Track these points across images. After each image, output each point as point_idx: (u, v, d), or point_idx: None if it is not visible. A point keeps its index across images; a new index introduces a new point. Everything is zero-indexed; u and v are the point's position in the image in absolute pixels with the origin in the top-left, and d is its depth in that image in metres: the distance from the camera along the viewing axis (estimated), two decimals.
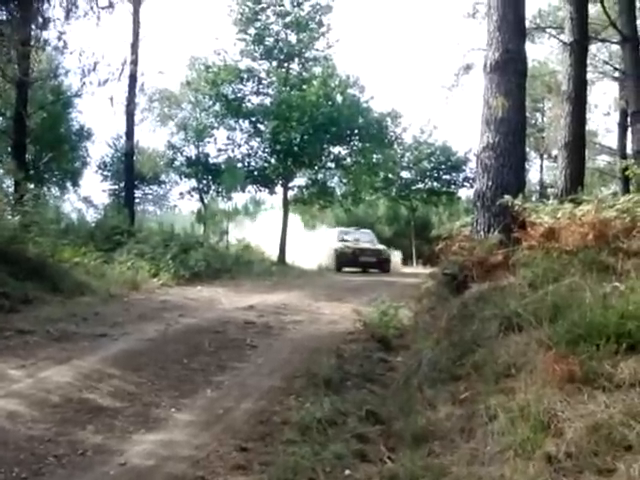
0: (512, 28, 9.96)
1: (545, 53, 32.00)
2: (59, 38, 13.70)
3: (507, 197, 8.96)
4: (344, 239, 31.16)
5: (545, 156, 42.13)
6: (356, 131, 30.33)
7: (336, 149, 31.25)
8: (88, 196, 38.10)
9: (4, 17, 12.43)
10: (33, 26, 13.08)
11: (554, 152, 36.81)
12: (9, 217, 14.38)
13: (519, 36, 10.15)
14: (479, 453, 4.69)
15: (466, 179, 40.97)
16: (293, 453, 5.22)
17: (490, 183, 9.64)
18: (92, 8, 13.48)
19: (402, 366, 7.86)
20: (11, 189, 21.31)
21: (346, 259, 29.65)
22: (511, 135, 9.75)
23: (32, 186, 23.50)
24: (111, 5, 13.85)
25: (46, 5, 12.83)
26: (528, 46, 10.44)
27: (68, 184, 39.16)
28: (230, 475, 5.04)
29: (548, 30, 24.48)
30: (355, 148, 31.01)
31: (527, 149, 11.89)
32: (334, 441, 5.57)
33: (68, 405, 6.45)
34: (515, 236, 8.65)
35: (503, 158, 9.65)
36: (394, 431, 5.79)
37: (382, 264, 30.14)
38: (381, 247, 31.54)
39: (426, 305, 9.37)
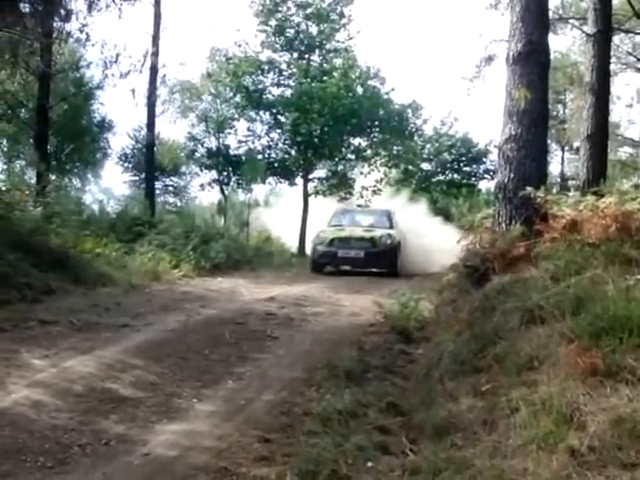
0: (535, 19, 9.89)
1: (567, 44, 31.73)
2: (81, 30, 13.76)
3: (529, 189, 8.91)
4: (338, 224, 21.81)
5: (567, 148, 41.86)
6: (377, 123, 30.25)
7: (356, 141, 31.20)
8: (109, 187, 38.40)
9: (27, 10, 12.49)
10: (56, 19, 13.15)
11: (576, 144, 36.57)
12: (31, 208, 14.46)
13: (542, 27, 10.07)
14: (501, 446, 4.67)
15: (487, 171, 40.72)
16: (315, 444, 5.23)
17: (512, 175, 9.59)
18: (114, 0, 13.50)
19: (423, 358, 7.85)
20: (33, 180, 21.51)
21: (325, 255, 20.21)
22: (533, 127, 9.69)
23: (54, 177, 23.73)
24: None
25: None
26: (550, 37, 10.35)
27: (89, 175, 39.43)
28: (253, 466, 5.06)
29: (571, 21, 24.28)
30: (375, 140, 30.93)
31: (548, 141, 11.82)
32: (355, 433, 5.58)
33: (91, 395, 6.50)
34: (537, 228, 8.60)
35: (525, 150, 9.59)
36: (415, 423, 5.79)
37: (379, 260, 19.92)
38: (380, 233, 20.49)
39: (447, 297, 9.35)
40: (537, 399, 4.89)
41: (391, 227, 21.43)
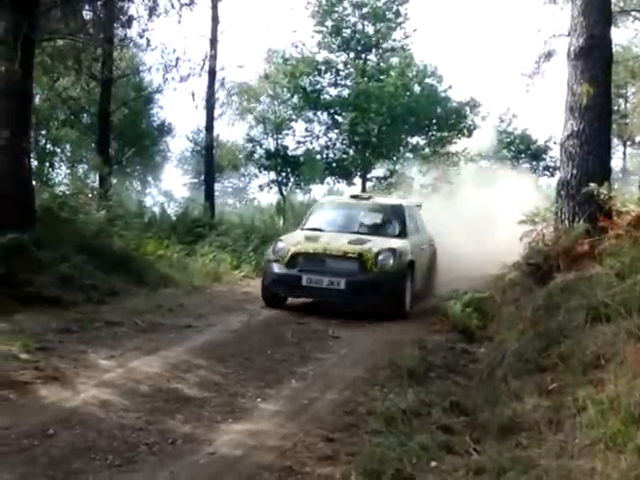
0: (597, 12, 9.73)
1: (629, 37, 31.09)
2: (141, 36, 13.97)
3: (592, 185, 8.79)
4: (314, 228, 13.03)
5: (628, 143, 41.05)
6: (434, 121, 30.09)
7: (414, 139, 31.06)
8: (169, 190, 38.93)
9: (90, 17, 12.74)
10: (117, 25, 13.39)
11: (638, 138, 35.88)
12: (95, 211, 14.72)
13: (604, 21, 9.91)
14: (568, 446, 4.62)
15: (546, 167, 40.17)
16: (379, 444, 5.25)
17: (575, 171, 9.46)
18: (173, 5, 13.67)
19: (486, 357, 7.81)
20: (96, 184, 21.90)
21: (280, 281, 11.75)
22: (596, 122, 9.55)
23: (115, 181, 24.14)
24: (192, 1, 14.03)
25: (129, 4, 13.08)
26: (612, 30, 10.16)
27: (149, 178, 40.08)
28: (317, 465, 5.09)
29: (633, 13, 23.82)
30: (433, 138, 30.76)
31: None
32: (419, 432, 5.58)
33: (157, 395, 6.61)
34: (601, 225, 8.49)
35: (588, 146, 9.46)
36: (479, 422, 5.77)
37: (370, 294, 11.25)
38: (377, 246, 11.71)
39: (510, 296, 9.27)
40: (604, 398, 4.83)
41: (402, 234, 12.54)
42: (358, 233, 12.39)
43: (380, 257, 11.36)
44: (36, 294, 9.79)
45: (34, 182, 12.13)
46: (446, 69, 34.90)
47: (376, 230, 12.63)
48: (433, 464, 4.98)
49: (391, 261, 11.38)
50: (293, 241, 12.03)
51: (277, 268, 11.63)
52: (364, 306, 11.24)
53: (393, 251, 11.50)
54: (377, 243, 11.72)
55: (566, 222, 9.36)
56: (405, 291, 11.57)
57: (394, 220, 13.03)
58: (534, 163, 40.82)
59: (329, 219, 13.44)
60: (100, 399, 6.34)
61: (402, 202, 14.15)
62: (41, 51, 12.53)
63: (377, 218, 13.10)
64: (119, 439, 5.46)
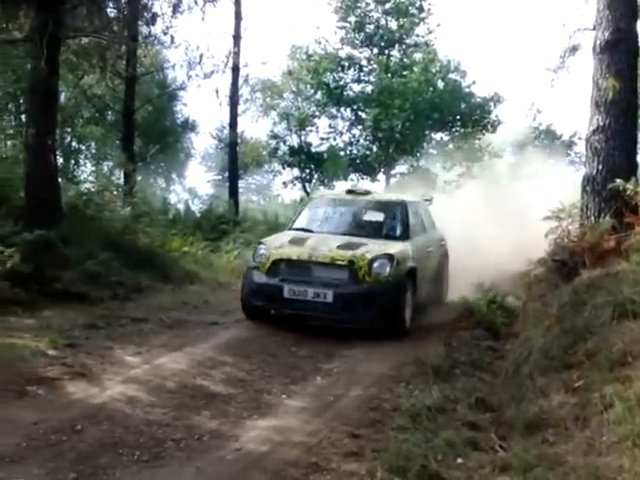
0: (623, 6, 9.63)
1: None
2: (165, 33, 14.04)
3: (619, 181, 8.72)
4: (303, 228, 11.36)
5: None
6: (458, 116, 29.99)
7: (438, 135, 30.98)
8: (193, 187, 39.08)
9: (114, 15, 12.82)
10: (141, 22, 13.45)
11: None
12: (120, 208, 14.80)
13: (630, 14, 9.79)
14: (595, 442, 4.61)
15: (571, 163, 39.89)
16: (404, 440, 5.26)
17: (600, 167, 9.38)
18: (196, 2, 13.72)
19: (511, 354, 7.78)
20: (121, 181, 22.03)
21: (259, 292, 9.98)
22: (622, 117, 9.46)
23: (140, 178, 24.26)
24: None
25: (153, 1, 13.16)
26: (638, 24, 10.07)
27: (174, 175, 40.25)
28: (343, 462, 5.12)
29: None
30: (457, 134, 30.65)
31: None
32: (445, 428, 5.59)
33: (183, 391, 6.67)
34: (627, 221, 8.42)
35: (614, 141, 9.37)
36: (505, 419, 5.76)
37: (362, 309, 9.50)
38: (372, 251, 9.94)
39: (535, 292, 9.22)
40: (631, 395, 4.80)
41: (404, 235, 10.92)
42: (352, 235, 10.69)
43: (375, 264, 9.67)
44: (63, 291, 9.90)
45: (60, 179, 12.19)
46: (470, 64, 34.68)
47: (373, 231, 10.95)
48: (459, 461, 4.99)
49: (387, 269, 9.67)
50: (275, 245, 10.32)
51: (257, 276, 10.00)
52: (355, 322, 9.65)
53: (390, 257, 9.80)
54: (372, 247, 10.04)
55: (592, 218, 9.28)
56: (404, 304, 9.80)
57: (395, 219, 11.33)
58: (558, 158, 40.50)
59: (320, 218, 11.75)
60: (127, 395, 6.40)
61: (405, 198, 12.08)
62: (66, 49, 12.61)
63: (375, 217, 11.45)
64: (146, 435, 5.51)
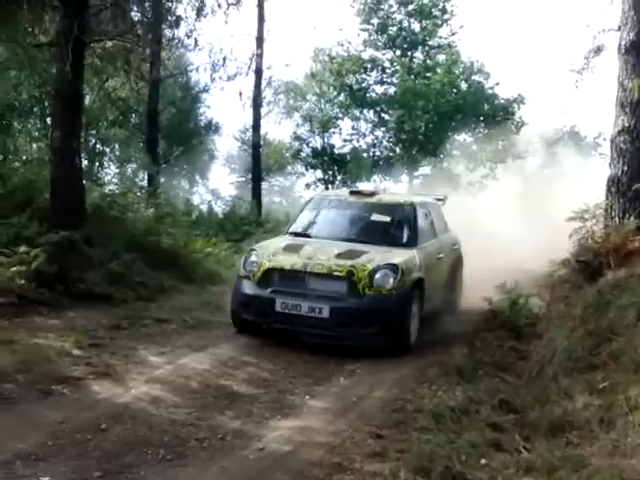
0: None
1: None
2: (188, 36, 14.08)
3: None
4: (300, 232, 10.55)
5: None
6: (481, 118, 29.90)
7: (461, 136, 30.91)
8: (216, 188, 39.22)
9: (138, 18, 12.92)
10: (165, 25, 13.53)
11: None
12: (144, 210, 14.87)
13: None
14: (620, 444, 4.59)
15: (596, 164, 39.63)
16: (428, 441, 5.25)
17: (625, 168, 9.32)
18: (220, 5, 13.77)
19: (535, 355, 7.74)
20: (144, 182, 22.16)
21: (250, 305, 9.15)
22: None
23: (164, 179, 24.38)
24: (238, 1, 14.11)
25: (177, 4, 13.22)
26: None
27: (197, 177, 40.42)
28: (366, 462, 5.12)
29: None
30: (481, 135, 30.56)
31: None
32: (468, 430, 5.57)
33: (207, 391, 6.71)
34: None
35: (639, 142, 9.33)
36: (529, 420, 5.73)
37: (362, 325, 8.69)
38: (374, 261, 9.04)
39: (559, 293, 9.17)
40: None
41: (411, 242, 9.95)
42: (354, 241, 9.75)
43: (376, 276, 8.76)
44: (87, 291, 9.98)
45: (84, 181, 12.27)
46: (493, 66, 34.54)
47: (377, 237, 9.92)
48: (483, 462, 4.97)
49: (391, 281, 8.76)
50: (268, 252, 9.44)
51: (247, 287, 9.15)
52: (353, 340, 8.67)
53: (394, 267, 8.90)
54: (375, 256, 9.13)
55: (616, 219, 9.23)
56: (409, 319, 8.92)
57: (402, 224, 10.26)
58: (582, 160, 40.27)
59: (320, 222, 10.71)
60: (151, 395, 6.45)
61: (414, 200, 11.02)
62: (91, 53, 12.69)
63: (380, 221, 10.35)
64: (170, 434, 5.55)
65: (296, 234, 10.35)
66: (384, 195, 11.60)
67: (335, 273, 8.82)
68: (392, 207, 10.57)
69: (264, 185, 34.40)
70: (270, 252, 9.39)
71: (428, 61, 30.77)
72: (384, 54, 30.86)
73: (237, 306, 9.26)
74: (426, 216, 10.76)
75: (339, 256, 9.05)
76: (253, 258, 9.32)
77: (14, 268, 9.28)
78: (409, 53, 30.77)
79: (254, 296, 9.00)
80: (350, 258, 9.00)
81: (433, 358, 8.17)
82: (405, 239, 9.96)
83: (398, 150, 30.27)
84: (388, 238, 9.94)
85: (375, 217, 10.34)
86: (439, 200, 12.13)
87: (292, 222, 11.08)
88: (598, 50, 22.86)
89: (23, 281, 9.21)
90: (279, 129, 45.80)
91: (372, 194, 11.09)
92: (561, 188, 18.74)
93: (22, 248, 9.63)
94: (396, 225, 10.28)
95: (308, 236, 10.18)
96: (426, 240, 10.27)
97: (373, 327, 8.64)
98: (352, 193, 11.17)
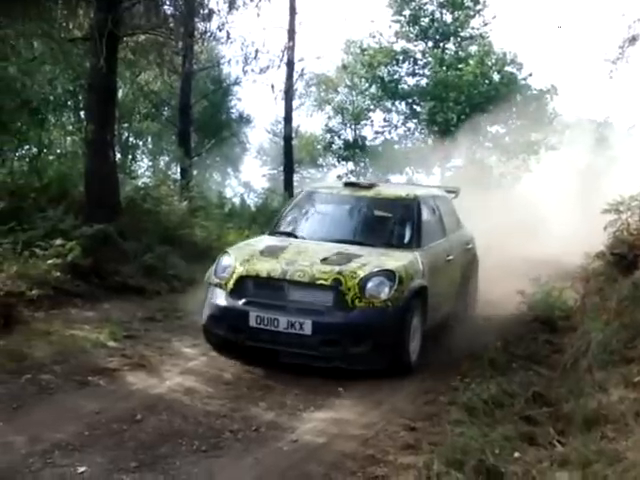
0: None
1: None
2: (220, 29, 14.09)
3: None
4: (285, 232, 9.02)
5: None
6: (514, 109, 29.69)
7: (494, 128, 30.71)
8: (248, 181, 39.30)
9: (171, 11, 12.97)
10: (197, 19, 13.56)
11: None
12: (177, 203, 14.95)
13: None
14: None
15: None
16: (461, 434, 5.24)
17: None
18: None
19: (569, 348, 7.67)
20: (177, 175, 22.26)
21: (221, 318, 7.70)
22: None
23: (196, 172, 24.47)
24: None
25: None
26: None
27: (229, 169, 40.53)
28: (400, 454, 5.14)
29: None
30: (513, 126, 30.34)
31: None
32: (502, 422, 5.56)
33: (240, 382, 6.77)
34: None
35: None
36: (563, 414, 5.70)
37: (351, 343, 7.24)
38: (367, 266, 7.57)
39: (593, 286, 9.10)
40: None
41: (413, 242, 8.50)
42: (347, 242, 8.29)
43: (369, 284, 7.37)
44: (121, 283, 10.11)
45: (118, 174, 12.37)
46: (526, 56, 34.21)
47: (374, 238, 8.53)
48: (516, 455, 4.95)
49: (386, 290, 7.37)
50: (242, 256, 7.97)
51: (218, 297, 7.76)
52: (340, 361, 7.24)
53: (390, 274, 7.50)
54: (368, 261, 7.71)
55: None
56: (408, 336, 7.49)
57: (403, 221, 8.82)
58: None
59: (308, 219, 9.33)
60: (185, 386, 6.52)
61: (418, 193, 9.40)
62: (124, 46, 12.78)
63: (378, 218, 9.07)
64: (204, 425, 5.61)
65: (281, 233, 8.95)
66: (384, 188, 9.87)
67: (319, 282, 7.40)
68: (392, 202, 9.09)
69: (296, 177, 34.45)
70: (245, 256, 7.96)
71: (460, 52, 30.57)
72: (416, 45, 30.73)
73: (207, 320, 7.85)
74: (433, 211, 9.39)
75: (325, 261, 7.63)
76: (225, 262, 7.96)
77: (50, 261, 9.37)
78: (441, 44, 30.60)
79: (225, 308, 7.63)
80: (338, 263, 7.58)
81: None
82: (406, 239, 8.55)
83: (430, 142, 30.17)
84: (386, 238, 8.62)
85: (372, 213, 9.09)
86: (451, 192, 10.68)
87: (277, 219, 9.55)
88: (633, 39, 22.57)
89: (59, 273, 9.31)
90: (311, 121, 45.80)
91: (370, 186, 9.46)
92: (596, 180, 18.54)
93: (58, 241, 9.72)
94: (396, 223, 8.91)
95: (294, 236, 8.77)
96: (432, 240, 8.85)
97: (364, 346, 7.23)
98: (347, 185, 9.73)
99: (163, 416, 5.72)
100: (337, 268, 7.45)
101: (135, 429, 5.42)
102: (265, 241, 8.66)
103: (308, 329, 7.16)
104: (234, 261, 7.82)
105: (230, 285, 7.64)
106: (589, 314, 8.11)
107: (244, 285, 7.63)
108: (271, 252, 7.97)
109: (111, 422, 5.50)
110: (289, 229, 9.01)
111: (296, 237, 8.68)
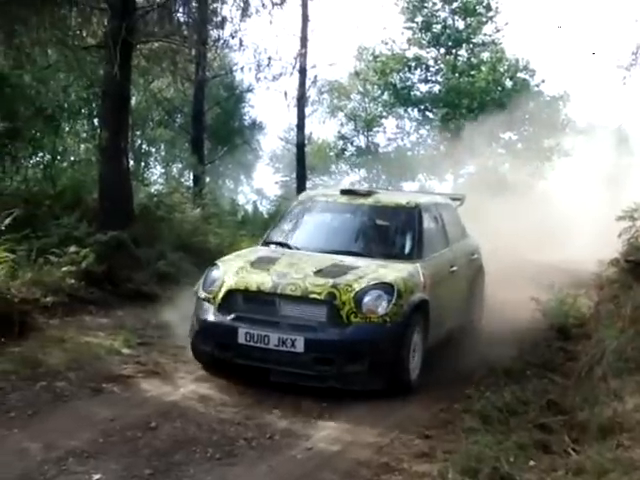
0: None
1: None
2: (233, 36, 14.15)
3: None
4: (278, 242, 8.57)
5: None
6: (527, 116, 29.66)
7: (507, 134, 30.67)
8: (261, 188, 39.35)
9: (184, 19, 13.03)
10: (210, 26, 13.62)
11: None
12: (190, 210, 14.99)
13: None
14: None
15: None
16: (476, 442, 5.24)
17: None
18: (264, 5, 13.81)
19: (584, 355, 7.65)
20: (190, 183, 22.32)
21: (209, 335, 7.30)
22: None
23: (209, 179, 24.52)
24: (282, 1, 14.15)
25: (222, 5, 13.31)
26: None
27: (242, 177, 40.61)
28: (414, 462, 5.14)
29: None
30: (526, 133, 30.31)
31: None
32: (516, 431, 5.56)
33: (254, 390, 6.73)
34: None
35: None
36: (578, 422, 5.68)
37: (346, 362, 6.82)
38: (364, 278, 7.17)
39: (608, 293, 9.06)
40: None
41: (414, 254, 8.06)
42: (343, 253, 7.90)
43: (365, 298, 6.96)
44: (135, 290, 10.17)
45: (131, 181, 12.43)
46: (539, 63, 34.21)
47: (372, 248, 8.19)
48: (531, 463, 4.95)
49: (384, 304, 6.97)
50: (232, 268, 7.56)
51: (206, 312, 7.37)
52: (335, 380, 6.82)
53: (388, 288, 7.09)
54: (365, 273, 7.31)
55: None
56: (407, 353, 7.06)
57: (403, 230, 8.40)
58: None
59: (303, 229, 8.88)
60: (199, 393, 6.54)
61: (420, 200, 8.93)
62: (138, 54, 12.83)
63: (376, 228, 8.59)
64: (218, 433, 5.62)
65: (273, 244, 8.55)
66: (383, 195, 9.31)
67: (312, 295, 7.00)
68: (391, 210, 8.62)
69: (308, 184, 34.48)
70: (235, 268, 7.54)
71: (472, 59, 30.58)
72: (428, 52, 30.74)
73: (194, 336, 7.47)
74: (436, 220, 8.95)
75: (319, 273, 7.22)
76: (214, 275, 7.59)
77: (64, 268, 9.44)
78: (453, 51, 30.60)
79: (213, 324, 7.25)
80: (333, 276, 7.16)
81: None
82: (407, 250, 8.12)
83: (442, 148, 30.17)
84: (385, 249, 8.20)
85: (370, 222, 8.62)
86: (456, 200, 10.25)
87: (270, 229, 9.12)
88: None
89: (73, 281, 9.38)
90: (323, 128, 45.83)
91: (368, 194, 8.95)
92: (610, 186, 18.49)
93: (72, 248, 9.79)
94: (396, 232, 8.50)
95: (287, 246, 8.35)
96: (434, 250, 8.43)
97: (360, 364, 6.84)
98: (343, 193, 9.06)
99: (177, 423, 5.73)
100: (331, 281, 7.06)
101: (149, 436, 5.43)
102: (257, 252, 8.25)
103: (300, 346, 6.79)
104: (223, 274, 7.46)
105: (218, 299, 7.27)
106: (604, 321, 8.08)
107: (233, 299, 7.27)
108: (262, 264, 7.57)
109: (125, 429, 5.51)
110: (282, 239, 8.56)
111: (290, 247, 8.28)
